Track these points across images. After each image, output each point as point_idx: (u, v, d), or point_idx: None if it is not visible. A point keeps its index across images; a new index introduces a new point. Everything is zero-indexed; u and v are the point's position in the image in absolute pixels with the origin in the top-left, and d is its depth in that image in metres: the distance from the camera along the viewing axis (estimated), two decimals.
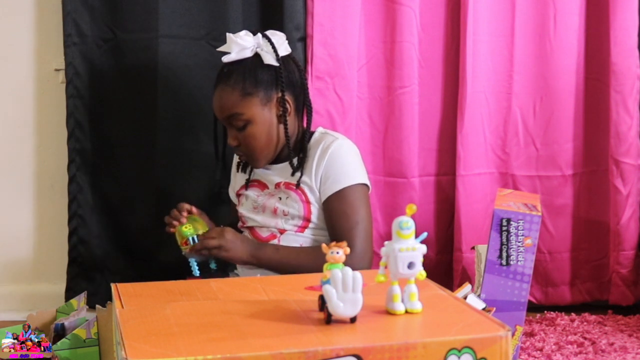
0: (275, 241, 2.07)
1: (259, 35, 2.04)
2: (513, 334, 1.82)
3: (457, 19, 2.46)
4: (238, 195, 2.19)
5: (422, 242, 1.29)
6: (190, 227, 2.05)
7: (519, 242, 1.80)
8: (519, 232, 1.79)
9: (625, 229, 2.46)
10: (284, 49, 2.05)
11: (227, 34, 2.05)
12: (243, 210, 2.14)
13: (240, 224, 2.17)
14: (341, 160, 2.04)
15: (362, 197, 2.04)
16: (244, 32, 2.04)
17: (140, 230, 2.50)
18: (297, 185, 2.04)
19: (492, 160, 2.53)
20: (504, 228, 1.80)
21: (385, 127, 2.49)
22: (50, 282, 2.59)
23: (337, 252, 1.29)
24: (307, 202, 2.05)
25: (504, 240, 1.80)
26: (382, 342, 1.17)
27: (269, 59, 2.02)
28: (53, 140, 2.55)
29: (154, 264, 2.48)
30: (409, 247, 1.27)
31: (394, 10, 2.43)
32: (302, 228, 2.06)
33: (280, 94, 2.03)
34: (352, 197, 2.02)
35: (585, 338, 2.20)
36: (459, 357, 1.18)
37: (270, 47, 2.02)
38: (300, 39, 2.41)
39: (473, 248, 2.15)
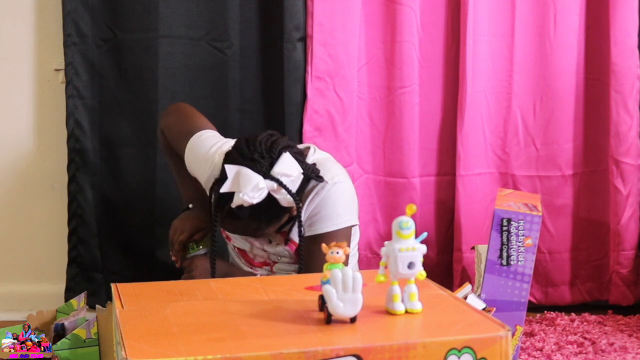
0: (267, 267, 2.05)
1: (272, 183, 1.78)
2: (513, 334, 1.82)
3: (457, 19, 2.46)
4: None
5: (422, 242, 1.29)
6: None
7: (520, 242, 1.80)
8: (520, 232, 1.79)
9: (625, 229, 2.46)
10: (297, 181, 1.82)
11: (236, 186, 1.76)
12: (229, 232, 2.05)
13: (227, 240, 2.12)
14: (327, 205, 1.93)
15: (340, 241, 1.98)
16: (254, 183, 1.75)
17: (140, 230, 2.50)
18: (286, 241, 2.00)
19: (492, 160, 2.53)
20: (505, 228, 1.80)
21: (385, 127, 2.49)
22: (50, 282, 2.59)
23: (337, 252, 1.29)
24: (296, 244, 1.98)
25: (505, 240, 1.80)
26: (382, 342, 1.17)
27: (287, 202, 1.81)
28: (53, 140, 2.55)
29: (154, 264, 2.48)
30: (409, 247, 1.27)
31: (394, 10, 2.43)
32: (294, 262, 2.03)
33: (290, 214, 1.89)
34: (328, 243, 1.96)
35: (585, 338, 2.20)
36: (459, 357, 1.18)
37: (284, 190, 1.79)
38: (300, 39, 2.41)
39: (473, 248, 2.15)
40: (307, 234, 1.91)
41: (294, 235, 1.97)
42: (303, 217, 1.90)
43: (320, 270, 1.69)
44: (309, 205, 1.93)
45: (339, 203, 1.94)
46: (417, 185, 2.50)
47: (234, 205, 1.77)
